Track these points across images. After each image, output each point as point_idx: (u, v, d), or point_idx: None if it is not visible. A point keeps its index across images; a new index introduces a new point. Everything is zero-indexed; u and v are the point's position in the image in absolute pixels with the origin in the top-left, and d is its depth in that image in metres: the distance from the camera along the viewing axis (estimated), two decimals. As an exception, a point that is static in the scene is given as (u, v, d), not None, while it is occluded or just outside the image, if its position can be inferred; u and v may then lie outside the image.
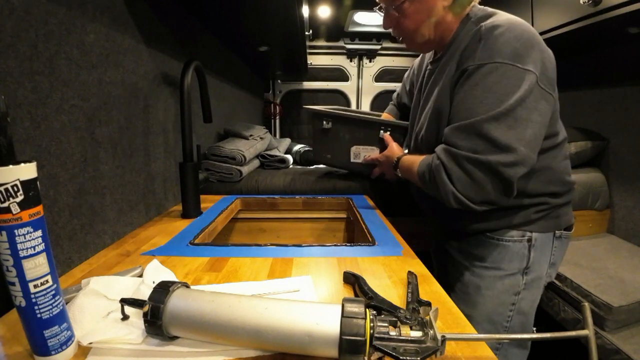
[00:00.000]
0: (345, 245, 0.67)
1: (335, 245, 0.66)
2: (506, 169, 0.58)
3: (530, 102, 0.59)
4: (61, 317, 0.33)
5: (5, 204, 0.28)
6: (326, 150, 1.08)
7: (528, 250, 0.72)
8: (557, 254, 0.76)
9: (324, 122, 1.04)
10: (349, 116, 1.03)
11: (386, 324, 0.33)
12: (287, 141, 1.83)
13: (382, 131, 0.98)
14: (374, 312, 0.35)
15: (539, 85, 0.60)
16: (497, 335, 0.37)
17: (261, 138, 1.46)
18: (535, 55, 0.61)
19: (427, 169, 0.67)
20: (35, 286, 0.31)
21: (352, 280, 0.49)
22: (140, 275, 0.51)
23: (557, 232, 0.74)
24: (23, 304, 0.30)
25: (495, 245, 0.74)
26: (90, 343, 0.35)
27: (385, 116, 1.13)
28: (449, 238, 0.85)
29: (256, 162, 1.41)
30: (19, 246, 0.29)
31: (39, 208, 0.31)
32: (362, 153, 1.03)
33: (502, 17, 0.66)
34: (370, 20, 2.31)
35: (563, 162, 0.73)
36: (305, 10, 1.22)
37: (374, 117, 1.00)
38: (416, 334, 0.33)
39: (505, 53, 0.60)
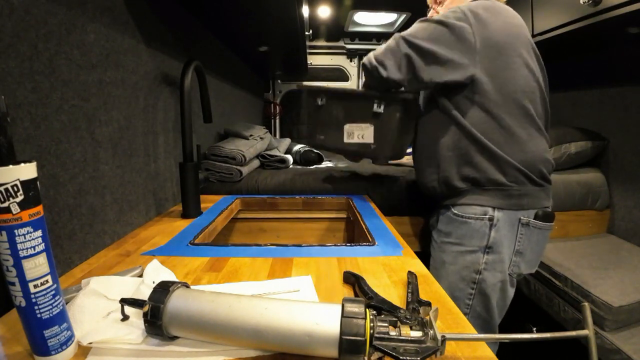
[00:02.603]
0: (345, 245, 0.67)
1: (335, 245, 0.66)
2: (401, 41, 0.82)
3: (441, 29, 0.78)
4: (61, 317, 0.33)
5: (5, 204, 0.28)
6: (320, 130, 1.00)
7: (489, 228, 0.78)
8: (525, 243, 0.79)
9: (318, 100, 0.96)
10: (343, 90, 0.98)
11: (386, 324, 0.33)
12: (287, 141, 1.83)
13: (375, 105, 0.92)
14: (374, 312, 0.35)
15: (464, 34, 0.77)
16: (497, 335, 0.37)
17: (261, 138, 1.46)
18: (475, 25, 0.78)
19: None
20: (35, 286, 0.31)
21: (352, 280, 0.49)
22: (140, 275, 0.51)
23: (522, 218, 0.78)
24: (23, 304, 0.30)
25: (460, 222, 0.81)
26: (90, 343, 0.35)
27: None
28: (433, 221, 0.93)
29: (256, 162, 1.41)
30: (19, 246, 0.29)
31: (39, 208, 0.31)
32: (357, 132, 0.96)
33: None
34: (370, 20, 2.31)
35: (533, 140, 0.79)
36: (305, 10, 1.22)
37: (369, 91, 0.93)
38: (416, 334, 0.33)
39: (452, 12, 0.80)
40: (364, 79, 0.93)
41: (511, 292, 0.82)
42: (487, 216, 0.78)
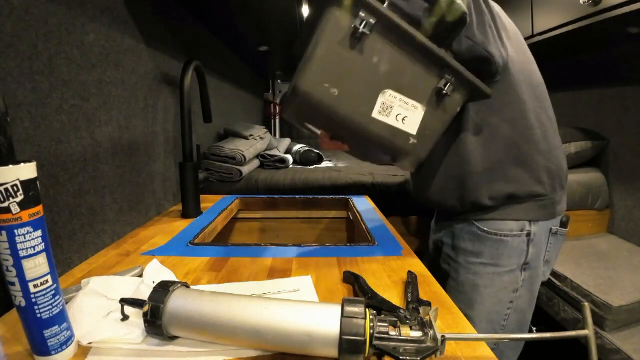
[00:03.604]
0: (345, 245, 0.67)
1: (335, 245, 0.66)
2: None
3: None
4: (61, 317, 0.33)
5: (5, 204, 0.28)
6: (334, 78, 0.52)
7: (527, 245, 0.71)
8: (552, 252, 0.75)
9: (360, 21, 0.50)
10: (410, 32, 0.52)
11: (386, 324, 0.33)
12: (287, 141, 1.83)
13: (445, 80, 0.55)
14: (374, 312, 0.35)
15: None
16: (497, 335, 0.37)
17: (261, 138, 1.47)
18: None
19: None
20: (35, 286, 0.31)
21: (352, 280, 0.49)
22: (140, 275, 0.51)
23: (553, 228, 0.73)
24: (23, 304, 0.30)
25: (494, 240, 0.71)
26: (90, 343, 0.35)
27: None
28: (443, 235, 0.83)
29: (256, 162, 1.41)
30: (19, 246, 0.29)
31: (39, 208, 0.31)
32: (397, 108, 0.56)
33: None
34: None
35: (557, 138, 0.73)
36: (305, 10, 1.22)
37: (446, 55, 0.55)
38: (416, 334, 0.33)
39: None
40: None
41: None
42: (524, 232, 0.70)
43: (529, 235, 0.70)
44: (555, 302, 1.10)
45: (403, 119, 0.57)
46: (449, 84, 0.56)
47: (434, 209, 0.83)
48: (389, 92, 0.55)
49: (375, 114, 0.55)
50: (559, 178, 0.71)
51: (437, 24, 0.55)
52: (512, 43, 0.67)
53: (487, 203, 0.71)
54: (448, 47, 0.61)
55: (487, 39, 0.59)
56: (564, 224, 0.74)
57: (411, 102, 0.57)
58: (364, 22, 0.50)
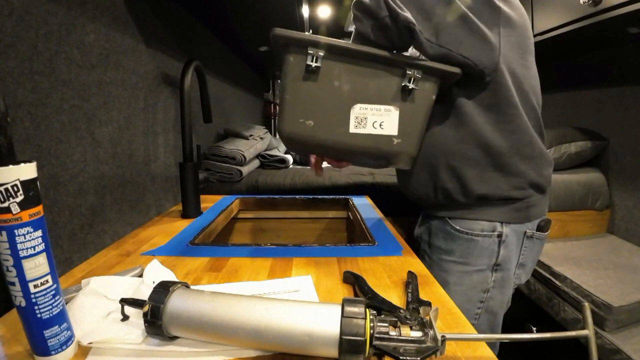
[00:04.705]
0: (345, 245, 0.67)
1: (335, 245, 0.66)
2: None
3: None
4: (61, 317, 0.33)
5: (5, 204, 0.28)
6: (306, 111, 0.59)
7: (498, 246, 0.71)
8: (528, 255, 0.75)
9: (310, 57, 0.57)
10: (354, 49, 0.57)
11: (386, 324, 0.33)
12: (287, 141, 1.83)
13: (407, 77, 0.58)
14: (374, 312, 0.35)
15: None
16: (497, 335, 0.37)
17: (261, 138, 1.47)
18: None
19: None
20: (35, 286, 0.31)
21: (352, 280, 0.49)
22: (140, 275, 0.51)
23: (528, 231, 0.72)
24: (23, 304, 0.30)
25: (464, 239, 0.72)
26: (90, 343, 0.35)
27: None
28: (422, 232, 0.84)
29: (256, 162, 1.41)
30: (19, 246, 0.29)
31: (39, 208, 0.31)
32: (372, 117, 0.61)
33: None
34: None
35: (541, 145, 0.71)
36: (305, 10, 1.22)
37: (398, 55, 0.59)
38: (416, 334, 0.33)
39: None
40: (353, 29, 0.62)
41: (509, 303, 0.78)
42: (495, 232, 0.70)
43: (499, 236, 0.70)
44: (555, 302, 1.10)
45: (380, 124, 0.61)
46: (412, 79, 0.58)
47: (412, 199, 0.83)
48: (358, 106, 0.60)
49: (352, 129, 0.60)
50: (537, 184, 0.71)
51: (385, 34, 0.58)
52: (509, 39, 0.64)
53: (459, 198, 0.71)
54: (420, 52, 0.62)
55: (463, 42, 0.58)
56: (541, 228, 0.74)
57: (383, 107, 0.60)
58: (314, 57, 0.56)
